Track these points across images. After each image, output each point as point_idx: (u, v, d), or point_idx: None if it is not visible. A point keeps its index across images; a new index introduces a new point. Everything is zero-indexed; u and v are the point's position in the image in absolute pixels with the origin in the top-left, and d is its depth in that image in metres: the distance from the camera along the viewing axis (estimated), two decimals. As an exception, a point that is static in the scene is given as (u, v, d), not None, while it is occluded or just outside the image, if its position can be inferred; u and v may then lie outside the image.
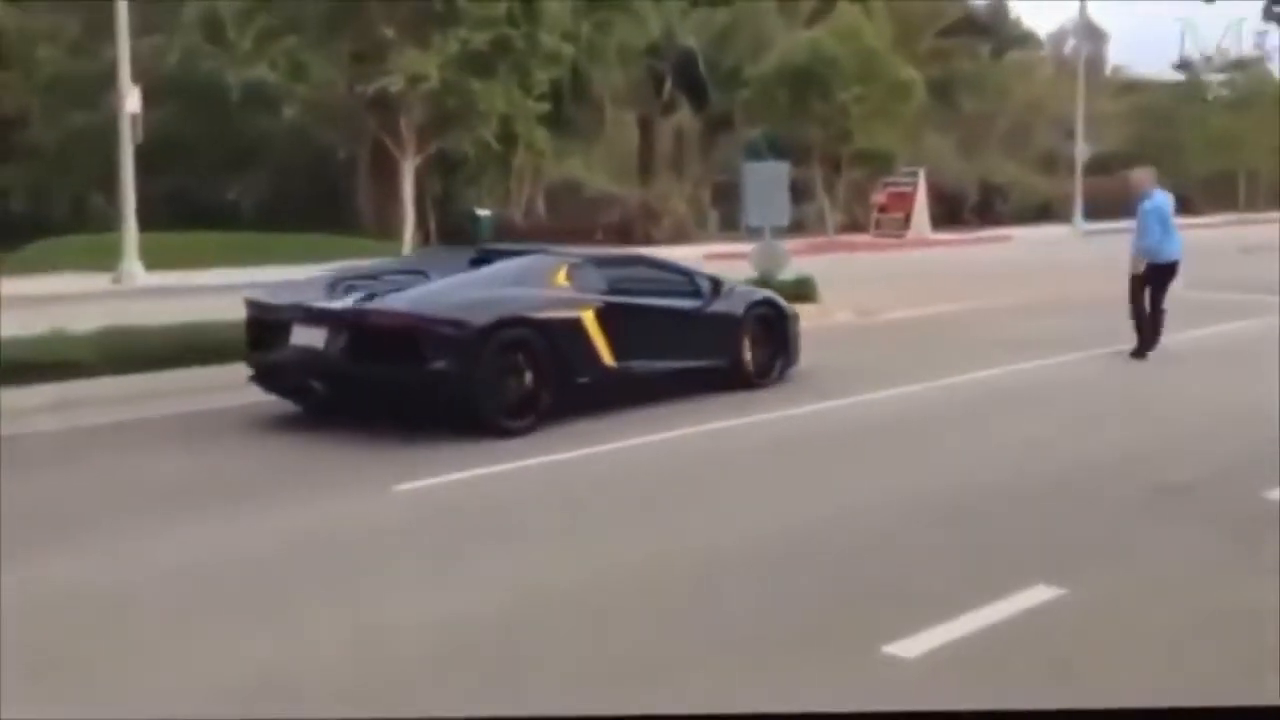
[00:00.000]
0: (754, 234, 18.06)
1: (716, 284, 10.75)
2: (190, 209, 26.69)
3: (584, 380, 9.27)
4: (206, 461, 8.01)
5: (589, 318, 9.37)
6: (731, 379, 10.39)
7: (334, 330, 8.81)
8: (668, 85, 34.46)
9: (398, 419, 8.71)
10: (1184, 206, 46.21)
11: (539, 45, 24.85)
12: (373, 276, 10.00)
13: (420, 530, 6.53)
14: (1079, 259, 26.68)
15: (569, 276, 9.63)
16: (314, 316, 9.01)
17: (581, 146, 31.31)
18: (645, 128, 34.51)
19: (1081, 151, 37.29)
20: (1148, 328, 12.55)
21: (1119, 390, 10.88)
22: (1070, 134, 37.98)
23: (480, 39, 24.08)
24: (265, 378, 9.45)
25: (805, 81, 32.15)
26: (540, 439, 8.49)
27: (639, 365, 9.72)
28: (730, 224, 27.83)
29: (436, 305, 8.85)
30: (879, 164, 33.95)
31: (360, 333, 8.75)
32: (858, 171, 34.54)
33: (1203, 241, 32.38)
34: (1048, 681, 4.54)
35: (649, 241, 28.94)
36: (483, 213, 27.82)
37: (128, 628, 5.03)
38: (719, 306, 10.63)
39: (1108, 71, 53.47)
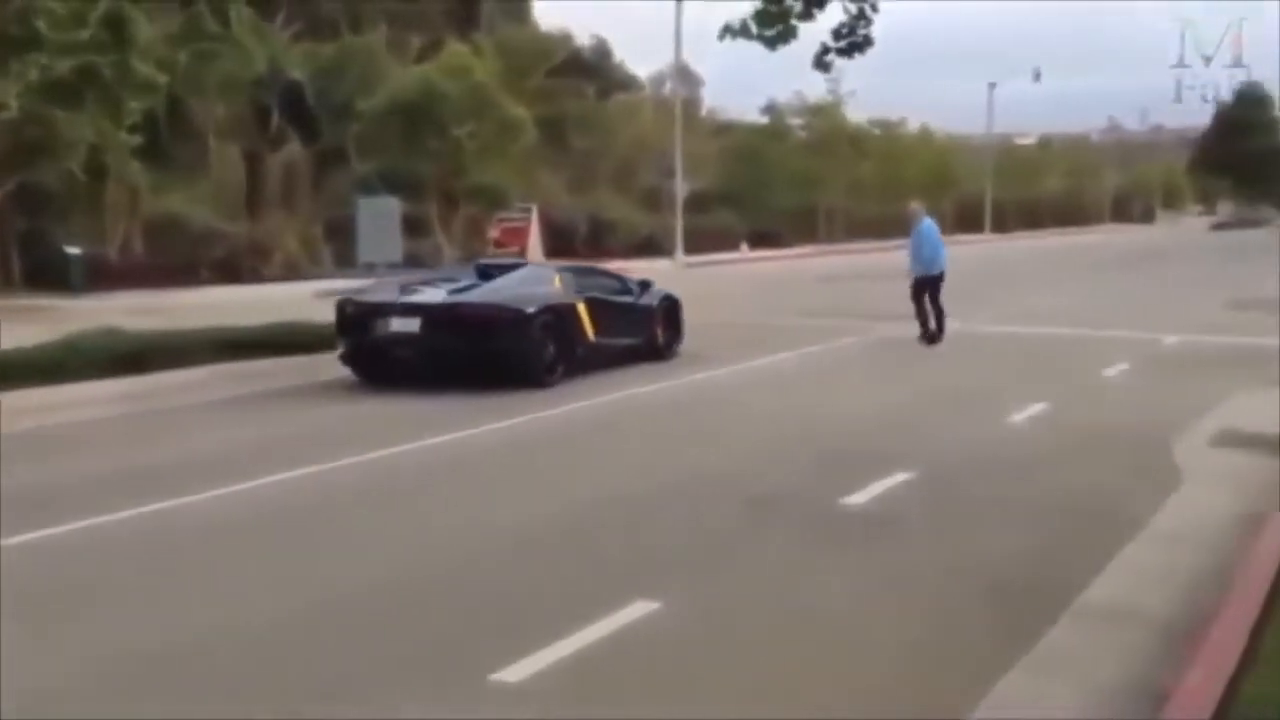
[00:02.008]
0: (369, 270, 17.98)
1: (643, 285, 15.14)
2: None
3: (580, 351, 13.18)
4: None
5: (581, 307, 13.38)
6: (649, 353, 14.45)
7: (428, 318, 12.43)
8: (275, 118, 33.52)
9: (469, 381, 12.04)
10: (773, 240, 49.45)
11: (130, 73, 23.48)
12: (429, 282, 13.84)
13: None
14: (686, 289, 28.25)
15: (560, 280, 13.63)
16: (410, 309, 12.63)
17: (183, 180, 29.81)
18: (252, 161, 33.35)
19: (681, 189, 39.47)
20: (928, 321, 16.49)
21: (741, 404, 11.74)
22: (671, 172, 40.12)
23: (64, 66, 22.50)
24: (353, 358, 12.99)
25: (418, 117, 32.21)
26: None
27: (605, 341, 13.67)
28: (345, 260, 27.39)
29: (501, 298, 12.71)
30: (493, 199, 34.48)
31: (450, 318, 12.41)
32: (473, 206, 34.93)
33: (790, 271, 35.30)
34: (647, 694, 4.86)
35: (259, 279, 27.97)
36: (73, 251, 25.89)
37: None
38: (644, 300, 14.85)
39: (703, 113, 56.90)
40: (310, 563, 6.60)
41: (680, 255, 38.62)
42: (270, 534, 7.25)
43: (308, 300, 22.48)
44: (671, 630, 5.51)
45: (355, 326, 13.00)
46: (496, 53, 38.28)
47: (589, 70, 46.98)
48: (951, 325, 17.21)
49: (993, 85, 65.06)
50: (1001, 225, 64.06)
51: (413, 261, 26.34)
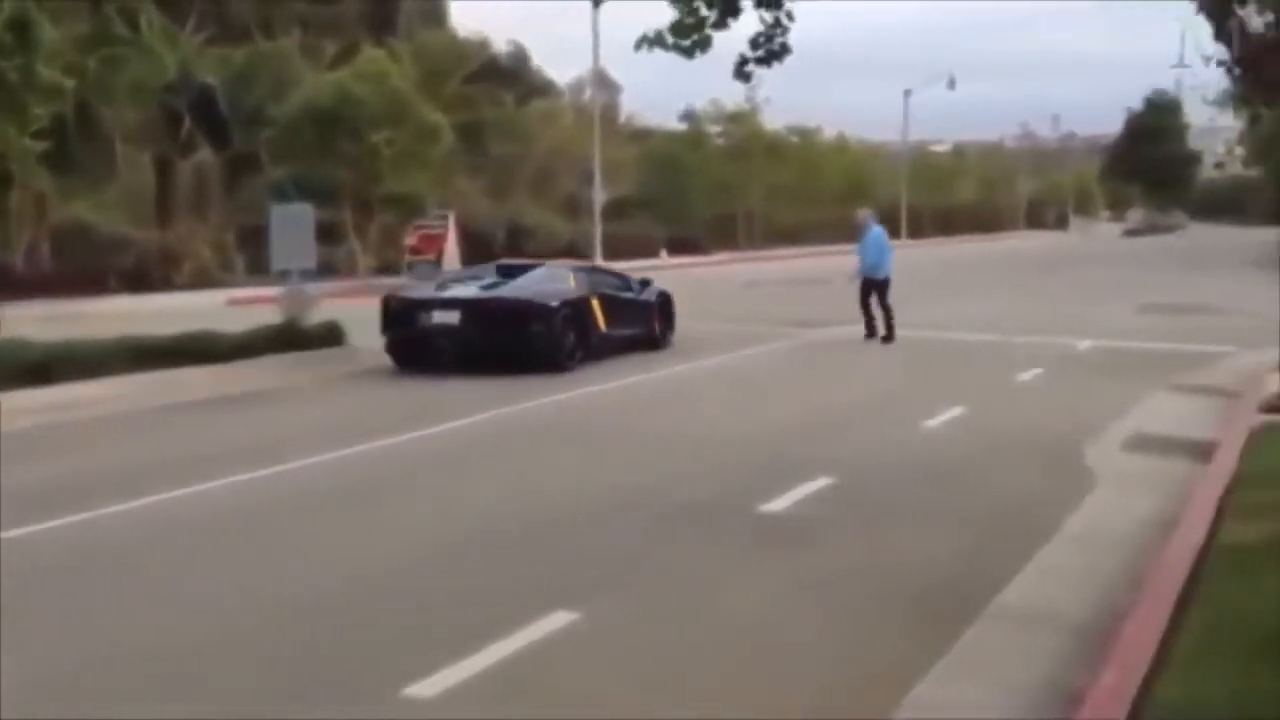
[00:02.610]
0: (282, 277, 17.62)
1: (644, 282, 17.07)
2: None
3: (594, 340, 14.99)
4: None
5: (595, 302, 15.21)
6: (648, 343, 16.32)
7: (466, 310, 14.38)
8: (186, 124, 32.82)
9: (502, 366, 13.75)
10: (692, 247, 49.54)
11: (35, 78, 22.87)
12: (459, 280, 16.20)
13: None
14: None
15: (575, 279, 15.45)
16: (450, 303, 14.61)
17: (91, 187, 29.09)
18: (163, 168, 32.66)
19: (599, 195, 39.43)
20: (873, 322, 17.49)
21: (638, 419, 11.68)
22: (590, 178, 40.05)
23: (-35, 70, 21.85)
24: (397, 348, 14.71)
25: (332, 122, 31.76)
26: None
27: (613, 332, 15.48)
28: (258, 267, 26.88)
29: (528, 294, 14.68)
30: (410, 206, 34.10)
31: (485, 311, 14.42)
32: (389, 213, 34.54)
33: (712, 277, 35.38)
34: (563, 706, 4.78)
35: (169, 287, 27.39)
36: (-26, 260, 25.14)
37: None
38: (644, 296, 16.75)
39: (622, 120, 56.90)
40: (228, 574, 6.46)
41: (600, 261, 38.60)
42: (189, 545, 7.07)
43: (220, 308, 22.11)
44: (590, 642, 5.44)
45: (399, 319, 14.79)
46: (413, 58, 37.88)
47: (507, 76, 46.72)
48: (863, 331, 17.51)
49: (908, 92, 65.91)
50: (917, 231, 64.89)
51: (326, 269, 25.93)
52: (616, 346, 15.53)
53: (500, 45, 48.99)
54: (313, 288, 17.57)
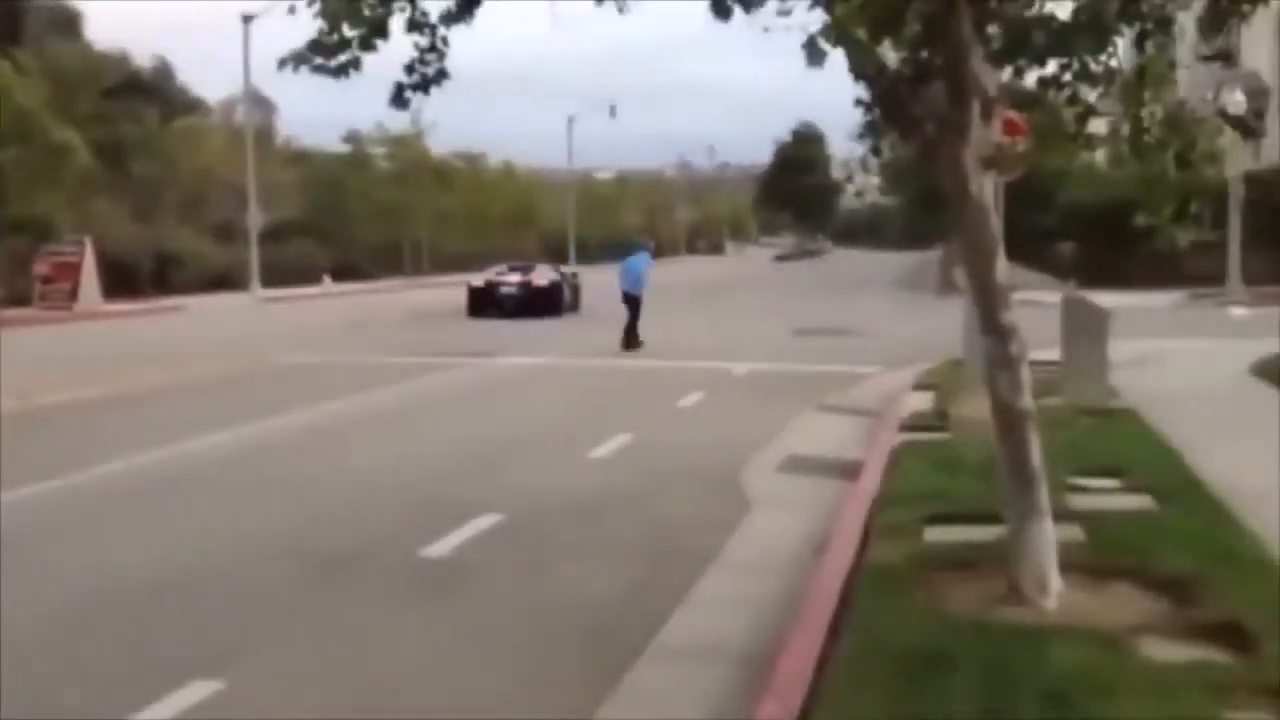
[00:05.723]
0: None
1: (573, 274, 33.74)
2: None
3: (567, 304, 30.61)
4: None
5: (565, 284, 31.28)
6: (573, 308, 30.88)
7: (518, 287, 30.08)
8: None
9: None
10: (356, 273, 48.34)
11: None
12: (501, 273, 31.49)
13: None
14: (265, 328, 26.87)
15: (555, 272, 32.58)
16: (509, 283, 30.24)
17: None
18: None
19: (255, 220, 37.75)
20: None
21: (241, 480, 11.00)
22: (244, 202, 38.29)
23: None
24: (477, 307, 29.40)
25: (-53, 140, 28.86)
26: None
27: (569, 301, 31.12)
28: None
29: (546, 278, 30.92)
30: (40, 230, 31.47)
31: (528, 286, 30.12)
32: (17, 239, 31.67)
33: (378, 306, 34.45)
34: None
35: None
36: None
37: None
38: (575, 282, 31.91)
39: (279, 141, 54.77)
40: None
41: (257, 289, 36.93)
42: None
43: None
44: (236, 714, 4.97)
45: (481, 293, 29.51)
46: (42, 71, 35.03)
47: (150, 92, 43.98)
48: (532, 360, 17.36)
49: (571, 120, 67.09)
50: (585, 258, 66.08)
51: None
52: (568, 310, 29.11)
53: (143, 60, 46.15)
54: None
